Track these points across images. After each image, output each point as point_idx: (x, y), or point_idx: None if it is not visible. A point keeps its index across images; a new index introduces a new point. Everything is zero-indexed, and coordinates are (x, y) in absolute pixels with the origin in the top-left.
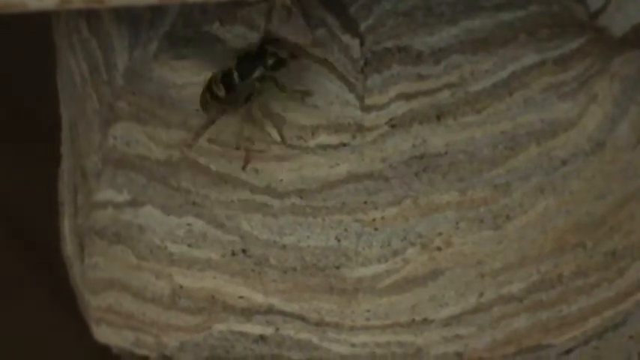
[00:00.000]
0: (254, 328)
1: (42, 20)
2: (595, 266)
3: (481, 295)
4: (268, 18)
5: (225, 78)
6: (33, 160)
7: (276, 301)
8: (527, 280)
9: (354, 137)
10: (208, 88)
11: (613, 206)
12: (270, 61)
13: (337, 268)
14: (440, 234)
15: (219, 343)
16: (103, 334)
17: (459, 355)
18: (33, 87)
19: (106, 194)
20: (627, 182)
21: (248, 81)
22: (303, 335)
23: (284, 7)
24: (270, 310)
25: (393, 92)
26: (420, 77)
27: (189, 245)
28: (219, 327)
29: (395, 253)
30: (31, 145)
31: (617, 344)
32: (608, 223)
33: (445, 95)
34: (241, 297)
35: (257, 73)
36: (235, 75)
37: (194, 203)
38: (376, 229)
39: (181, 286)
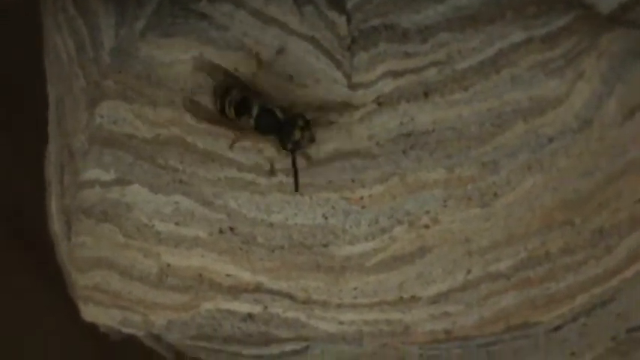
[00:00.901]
0: (242, 307)
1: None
2: (582, 244)
3: (469, 272)
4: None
5: (240, 108)
6: (33, 159)
7: (263, 280)
8: (514, 258)
9: (341, 115)
10: (220, 101)
11: (600, 183)
12: (290, 145)
13: (325, 246)
14: (427, 212)
15: (206, 322)
16: (91, 312)
17: (446, 332)
18: (30, 82)
19: (92, 173)
20: (614, 159)
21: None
22: (291, 313)
23: None
24: (257, 289)
25: (380, 70)
26: (407, 55)
27: (176, 223)
28: (206, 305)
29: (382, 231)
30: (31, 144)
31: (605, 321)
32: (596, 200)
33: (432, 73)
34: (229, 275)
35: (271, 137)
36: (251, 120)
37: (181, 181)
38: (364, 207)
39: (169, 265)
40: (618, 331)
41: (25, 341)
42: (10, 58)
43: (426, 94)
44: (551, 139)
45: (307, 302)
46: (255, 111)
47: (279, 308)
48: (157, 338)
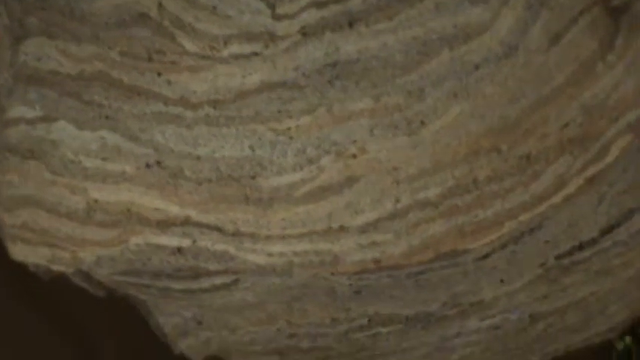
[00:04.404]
0: (170, 241)
1: None
2: (510, 170)
3: (397, 201)
4: None
5: None
6: None
7: (192, 213)
8: (442, 186)
9: (266, 46)
10: None
11: (527, 110)
12: None
13: (252, 177)
14: (354, 141)
15: (135, 257)
16: (19, 251)
17: (375, 262)
18: None
19: (18, 111)
20: (540, 86)
21: None
22: (220, 246)
23: None
24: (186, 222)
25: (304, 0)
26: None
27: (103, 159)
28: (135, 240)
29: (310, 162)
30: None
31: (533, 248)
32: (523, 126)
33: (356, 2)
34: (157, 209)
35: None
36: None
37: (107, 117)
38: (291, 137)
39: (96, 200)
40: (547, 257)
41: None
42: None
43: (350, 24)
44: (476, 66)
45: (236, 235)
46: None
47: (208, 241)
48: (87, 275)
